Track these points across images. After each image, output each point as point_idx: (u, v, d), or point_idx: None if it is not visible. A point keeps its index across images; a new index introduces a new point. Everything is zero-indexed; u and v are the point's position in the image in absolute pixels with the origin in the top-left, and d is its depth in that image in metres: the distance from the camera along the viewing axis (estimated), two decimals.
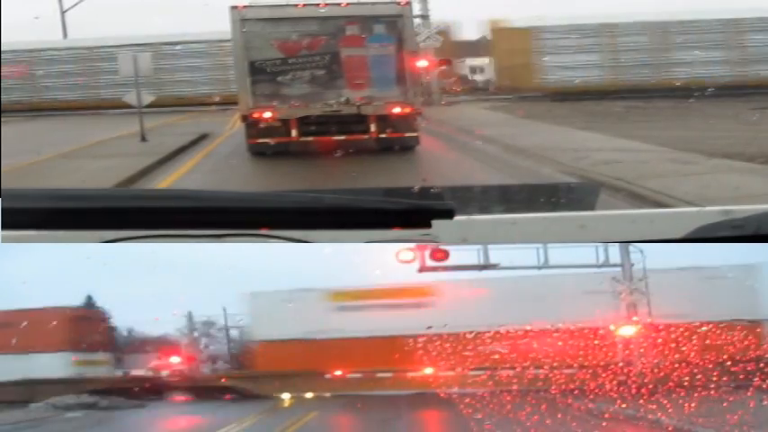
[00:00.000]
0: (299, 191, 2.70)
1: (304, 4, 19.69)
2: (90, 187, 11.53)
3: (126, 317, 28.23)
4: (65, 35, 47.80)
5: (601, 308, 18.36)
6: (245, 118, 20.25)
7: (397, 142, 20.09)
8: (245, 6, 19.89)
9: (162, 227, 2.19)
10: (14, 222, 2.07)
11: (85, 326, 24.95)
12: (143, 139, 24.65)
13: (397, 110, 19.70)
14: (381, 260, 17.88)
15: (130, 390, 22.38)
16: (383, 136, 20.01)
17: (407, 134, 20.15)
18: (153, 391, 22.48)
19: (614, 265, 18.39)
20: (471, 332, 20.23)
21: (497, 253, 18.04)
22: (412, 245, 16.30)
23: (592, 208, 2.99)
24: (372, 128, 19.96)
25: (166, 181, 17.73)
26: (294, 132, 20.00)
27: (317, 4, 19.66)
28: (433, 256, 17.28)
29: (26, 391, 21.75)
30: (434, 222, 2.22)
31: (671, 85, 38.03)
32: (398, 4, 19.85)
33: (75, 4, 48.61)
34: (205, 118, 34.93)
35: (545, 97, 41.34)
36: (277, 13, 19.89)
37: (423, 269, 17.63)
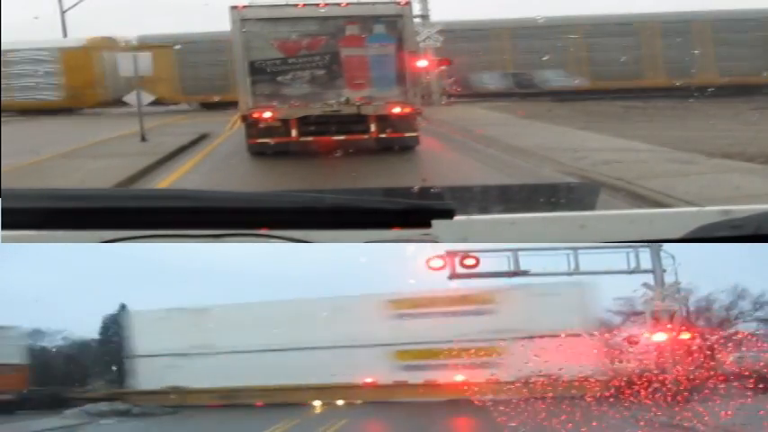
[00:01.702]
0: (299, 191, 2.69)
1: (304, 4, 19.69)
2: (90, 187, 11.53)
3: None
4: (65, 35, 47.80)
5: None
6: (245, 118, 20.25)
7: (396, 142, 20.09)
8: (244, 6, 19.89)
9: (162, 227, 2.19)
10: (14, 222, 2.07)
11: None
12: (143, 138, 24.65)
13: (396, 110, 19.71)
14: (411, 267, 17.63)
15: (163, 397, 22.40)
16: (383, 136, 20.02)
17: (407, 134, 20.16)
18: (185, 398, 22.41)
19: (645, 271, 18.14)
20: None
21: (527, 259, 17.50)
22: (442, 252, 16.25)
23: (592, 208, 2.99)
24: (372, 128, 19.96)
25: (166, 181, 17.73)
26: (294, 132, 20.00)
27: (317, 4, 19.66)
28: (464, 263, 17.02)
29: (60, 399, 21.91)
30: (434, 222, 2.22)
31: (671, 85, 38.03)
32: (398, 4, 19.85)
33: (75, 4, 48.65)
34: (205, 118, 34.93)
35: (545, 97, 41.35)
36: (277, 13, 19.90)
37: (453, 276, 17.30)
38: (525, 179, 15.89)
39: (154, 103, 27.37)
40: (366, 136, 20.08)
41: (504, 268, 17.41)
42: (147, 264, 29.34)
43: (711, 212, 2.41)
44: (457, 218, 2.30)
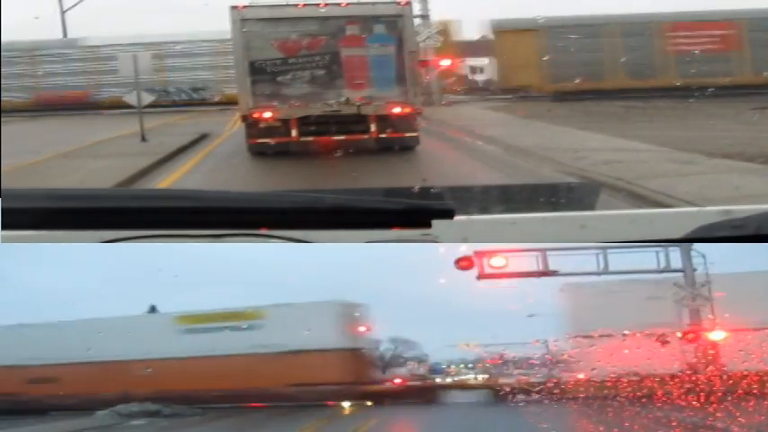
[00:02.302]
0: (299, 191, 2.69)
1: (304, 4, 19.69)
2: (90, 187, 11.53)
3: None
4: (65, 35, 47.79)
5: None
6: (245, 118, 20.25)
7: (397, 142, 20.09)
8: (245, 6, 19.89)
9: (162, 227, 2.19)
10: (14, 222, 2.07)
11: None
12: (143, 138, 24.65)
13: (397, 110, 19.70)
14: (441, 267, 17.57)
15: (192, 397, 22.45)
16: (383, 136, 20.01)
17: (407, 134, 20.15)
18: (214, 399, 22.45)
19: (676, 270, 18.02)
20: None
21: (556, 259, 17.44)
22: (470, 252, 16.19)
23: (592, 208, 2.99)
24: (372, 128, 19.96)
25: (166, 181, 17.73)
26: (294, 132, 20.00)
27: (317, 4, 19.66)
28: (492, 263, 16.93)
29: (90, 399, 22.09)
30: (434, 222, 2.22)
31: (670, 85, 38.02)
32: (398, 4, 19.85)
33: (75, 4, 48.65)
34: (205, 118, 34.94)
35: (545, 97, 41.35)
36: (277, 13, 19.89)
37: (482, 276, 17.23)
38: (525, 179, 15.88)
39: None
40: (366, 136, 20.08)
41: (533, 268, 17.37)
42: (147, 264, 29.31)
43: (711, 212, 2.41)
44: (457, 218, 2.30)
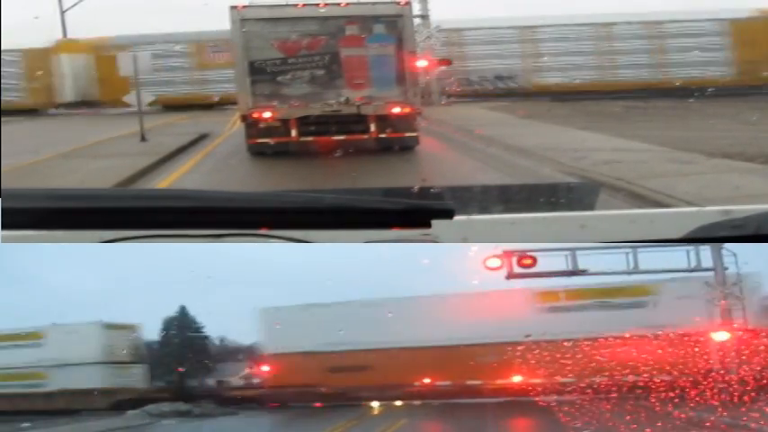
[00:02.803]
0: (299, 191, 2.69)
1: (304, 4, 19.69)
2: (90, 187, 11.53)
3: (126, 317, 28.12)
4: (64, 35, 47.77)
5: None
6: (244, 118, 20.25)
7: (396, 142, 20.09)
8: (244, 6, 19.89)
9: (162, 227, 2.19)
10: (14, 222, 2.07)
11: None
12: (143, 138, 24.64)
13: (396, 110, 19.70)
14: (468, 266, 17.45)
15: (223, 397, 22.46)
16: (383, 136, 20.01)
17: (407, 134, 20.15)
18: (245, 398, 22.45)
19: (707, 269, 17.89)
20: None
21: (585, 258, 17.05)
22: (499, 251, 16.12)
23: (592, 208, 3.00)
24: (372, 128, 19.95)
25: (166, 181, 17.73)
26: (294, 132, 20.00)
27: (317, 4, 19.66)
28: (521, 263, 16.82)
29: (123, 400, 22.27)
30: (434, 222, 2.22)
31: (671, 85, 38.03)
32: (398, 4, 19.85)
33: (75, 4, 48.62)
34: (205, 118, 34.94)
35: (546, 97, 41.35)
36: (277, 13, 19.89)
37: (510, 276, 17.07)
38: (525, 179, 15.88)
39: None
40: (366, 136, 20.07)
41: (563, 267, 17.25)
42: (147, 264, 29.34)
43: (711, 212, 2.41)
44: (457, 218, 2.30)
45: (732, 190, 13.28)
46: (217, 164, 20.87)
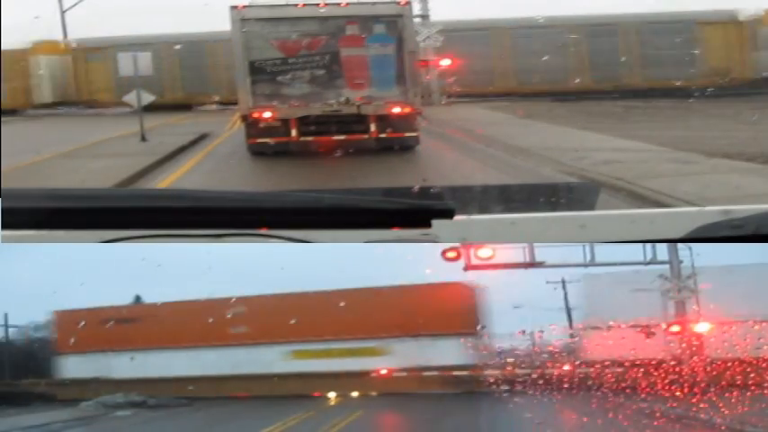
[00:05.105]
0: (299, 191, 2.69)
1: (304, 4, 19.68)
2: (90, 187, 11.53)
3: None
4: (65, 35, 47.79)
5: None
6: (245, 118, 20.25)
7: (396, 142, 20.09)
8: (244, 6, 19.88)
9: (162, 227, 2.19)
10: (14, 222, 2.07)
11: None
12: (143, 138, 24.63)
13: (396, 110, 19.70)
14: (428, 259, 17.74)
15: (178, 389, 22.51)
16: (383, 136, 20.00)
17: (407, 134, 20.15)
18: (199, 390, 22.55)
19: (662, 263, 18.05)
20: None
21: (543, 251, 17.44)
22: (457, 243, 16.22)
23: (592, 208, 2.99)
24: (372, 128, 19.95)
25: (166, 181, 17.72)
26: (294, 132, 20.00)
27: (317, 4, 19.65)
28: (479, 255, 16.94)
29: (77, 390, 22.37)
30: (434, 222, 2.22)
31: (671, 85, 38.01)
32: (398, 4, 19.84)
33: (75, 4, 48.63)
34: (205, 118, 34.93)
35: (546, 97, 41.32)
36: (277, 13, 19.89)
37: (468, 267, 17.28)
38: (525, 179, 15.87)
39: None
40: (366, 136, 20.07)
41: (520, 260, 17.41)
42: (147, 264, 29.36)
43: (711, 212, 2.40)
44: (457, 218, 2.30)
45: (732, 190, 13.29)
46: (217, 164, 20.86)
